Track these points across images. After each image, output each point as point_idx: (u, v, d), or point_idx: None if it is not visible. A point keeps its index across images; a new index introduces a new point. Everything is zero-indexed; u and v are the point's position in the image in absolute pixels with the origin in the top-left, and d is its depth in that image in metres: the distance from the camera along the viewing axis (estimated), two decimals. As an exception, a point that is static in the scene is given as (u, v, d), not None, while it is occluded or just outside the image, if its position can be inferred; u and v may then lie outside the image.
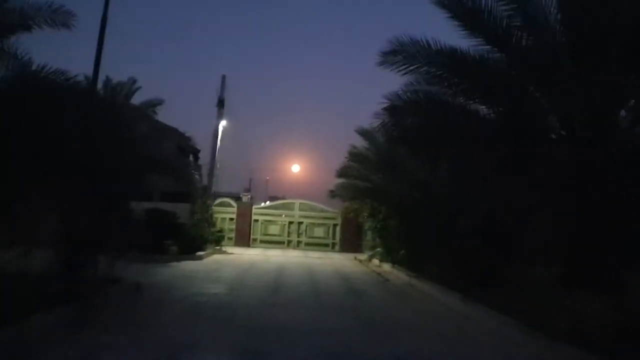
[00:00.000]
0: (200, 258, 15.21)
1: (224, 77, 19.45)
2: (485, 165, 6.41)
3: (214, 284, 10.22)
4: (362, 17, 59.09)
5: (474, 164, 6.58)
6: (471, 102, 6.46)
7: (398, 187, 12.58)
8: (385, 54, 6.41)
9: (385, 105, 6.66)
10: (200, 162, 28.58)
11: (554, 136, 5.95)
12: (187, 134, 32.57)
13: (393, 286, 11.34)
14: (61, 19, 7.82)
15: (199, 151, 32.00)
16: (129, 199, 13.75)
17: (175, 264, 13.57)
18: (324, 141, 61.12)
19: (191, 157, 36.30)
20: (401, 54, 6.48)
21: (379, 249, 16.64)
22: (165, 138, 16.79)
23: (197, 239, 16.23)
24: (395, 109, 6.64)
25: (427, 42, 6.47)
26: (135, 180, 14.47)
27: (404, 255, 13.55)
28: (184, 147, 37.17)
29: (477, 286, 8.83)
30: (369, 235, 21.59)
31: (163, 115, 15.97)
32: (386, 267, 14.88)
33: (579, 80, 5.77)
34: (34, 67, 7.77)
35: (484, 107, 6.42)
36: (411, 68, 6.42)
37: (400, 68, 6.41)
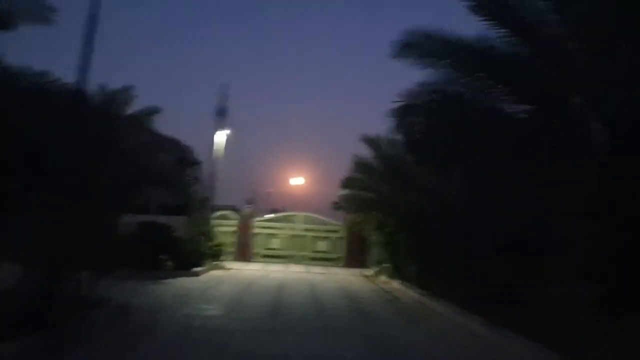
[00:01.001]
0: (196, 274, 14.36)
1: (224, 85, 18.81)
2: (514, 171, 5.61)
3: (209, 304, 9.39)
4: (366, 22, 58.91)
5: (501, 169, 5.78)
6: (499, 101, 5.67)
7: (407, 197, 11.77)
8: (400, 45, 5.67)
9: (398, 104, 5.89)
10: (201, 174, 27.86)
11: (595, 139, 5.14)
12: (188, 146, 31.93)
13: (403, 305, 10.48)
14: (39, 14, 7.13)
15: (200, 163, 31.24)
16: (117, 211, 12.99)
17: (169, 280, 12.73)
18: (328, 152, 60.23)
19: (192, 169, 35.69)
20: (417, 46, 5.74)
21: (386, 265, 15.78)
22: (164, 149, 16.07)
23: (193, 253, 15.39)
24: (410, 109, 5.88)
25: (446, 34, 5.73)
26: (126, 193, 13.75)
27: (413, 271, 12.69)
28: (185, 159, 36.53)
29: (496, 306, 8.03)
30: (375, 250, 20.74)
31: (163, 127, 15.17)
32: (394, 284, 14.00)
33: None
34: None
35: (514, 107, 5.63)
36: (428, 62, 5.67)
37: (416, 62, 5.67)
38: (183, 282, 12.63)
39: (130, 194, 14.59)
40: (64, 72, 9.71)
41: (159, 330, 6.86)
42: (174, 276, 13.41)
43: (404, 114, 5.96)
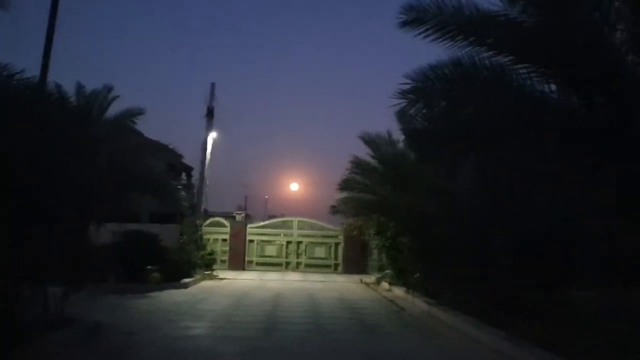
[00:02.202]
0: (185, 286, 13.35)
1: (213, 84, 17.87)
2: (548, 162, 4.70)
3: (196, 321, 8.40)
4: (364, 26, 58.33)
5: (530, 160, 4.86)
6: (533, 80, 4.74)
7: (411, 199, 10.84)
8: (408, 12, 4.75)
9: (406, 87, 4.97)
10: (193, 180, 26.88)
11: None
12: (178, 151, 30.92)
13: (411, 317, 9.52)
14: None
15: (191, 169, 30.30)
16: (95, 219, 11.99)
17: (155, 294, 11.74)
18: (325, 155, 59.58)
19: (183, 175, 34.70)
20: (429, 16, 4.83)
21: (388, 271, 14.83)
22: (151, 153, 15.15)
23: (183, 263, 14.37)
24: (422, 92, 4.96)
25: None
26: (106, 199, 12.75)
27: (419, 278, 11.74)
28: (176, 165, 35.48)
29: (516, 317, 7.12)
30: (375, 255, 19.79)
31: (152, 131, 14.19)
32: (398, 291, 13.05)
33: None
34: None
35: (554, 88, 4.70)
36: (444, 34, 4.76)
37: (428, 33, 4.76)
38: (170, 295, 11.63)
39: (111, 200, 13.62)
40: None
41: (132, 355, 5.88)
42: (161, 289, 12.41)
43: (414, 97, 5.03)
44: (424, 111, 5.22)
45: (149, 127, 14.15)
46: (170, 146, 24.28)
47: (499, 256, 8.19)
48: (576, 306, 7.36)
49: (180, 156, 32.76)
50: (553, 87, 4.77)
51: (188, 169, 31.51)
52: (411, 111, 5.37)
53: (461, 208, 8.90)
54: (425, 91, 4.95)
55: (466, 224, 8.73)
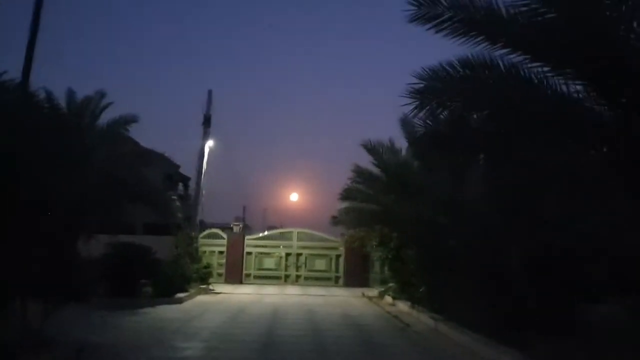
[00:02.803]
0: (180, 301, 12.75)
1: (210, 92, 17.39)
2: (580, 170, 4.19)
3: (189, 340, 7.82)
4: (364, 33, 58.27)
5: (556, 163, 4.35)
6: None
7: (417, 208, 10.32)
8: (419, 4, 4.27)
9: (416, 86, 4.48)
10: (190, 190, 26.25)
11: None
12: (175, 161, 30.25)
13: (417, 335, 8.94)
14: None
15: (188, 179, 29.62)
16: (83, 231, 11.43)
17: (147, 310, 11.15)
18: (325, 165, 59.05)
19: (180, 186, 34.07)
20: (441, 9, 4.35)
21: (391, 284, 14.25)
22: (146, 163, 14.63)
23: (177, 277, 13.78)
24: (435, 91, 4.47)
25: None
26: (96, 210, 12.19)
27: (424, 292, 11.18)
28: (173, 175, 34.81)
29: (532, 335, 6.58)
30: (377, 267, 19.21)
31: (150, 141, 13.70)
32: (402, 306, 12.46)
33: None
34: None
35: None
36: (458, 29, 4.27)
37: (443, 27, 4.27)
38: (162, 312, 11.04)
39: (102, 211, 13.07)
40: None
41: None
42: (154, 304, 11.83)
43: (426, 97, 4.53)
44: (438, 110, 4.70)
45: (147, 137, 13.71)
46: (167, 155, 23.74)
47: (513, 269, 7.67)
48: (598, 322, 6.85)
49: (177, 166, 32.33)
50: (580, 87, 4.29)
51: (185, 180, 30.95)
52: (421, 113, 4.87)
53: (470, 218, 8.39)
54: (438, 90, 4.46)
55: (476, 235, 8.20)
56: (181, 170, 31.25)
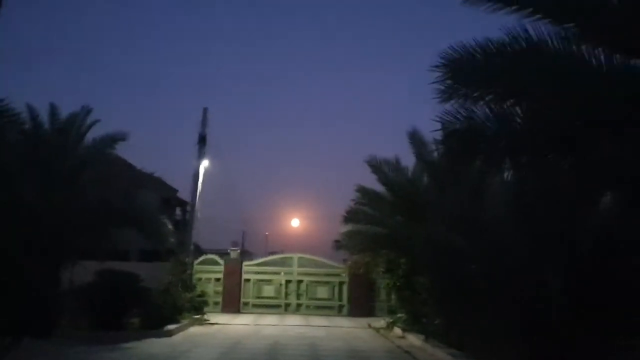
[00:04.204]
0: (169, 334, 11.60)
1: (205, 109, 16.57)
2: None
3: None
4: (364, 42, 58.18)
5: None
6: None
7: (430, 230, 9.30)
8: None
9: (447, 58, 3.55)
10: (188, 216, 25.22)
11: None
12: (171, 185, 29.31)
13: (436, 375, 7.80)
14: None
15: (186, 204, 28.68)
16: (64, 258, 10.48)
17: (132, 344, 10.02)
18: (327, 190, 57.97)
19: (178, 210, 33.02)
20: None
21: (400, 315, 13.09)
22: (142, 187, 13.66)
23: (168, 307, 12.65)
24: (471, 72, 3.54)
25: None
26: (80, 236, 11.21)
27: (440, 324, 10.05)
28: (170, 200, 33.76)
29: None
30: (383, 295, 18.02)
31: (148, 165, 12.83)
32: (413, 339, 11.30)
33: None
34: None
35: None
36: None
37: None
38: (148, 346, 9.92)
39: (88, 236, 12.06)
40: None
41: None
42: (140, 337, 10.69)
43: (457, 81, 3.60)
44: (477, 94, 3.75)
45: (146, 161, 12.85)
46: (164, 180, 22.79)
47: (547, 299, 6.62)
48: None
49: (175, 190, 31.32)
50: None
51: (183, 204, 29.89)
52: (448, 104, 3.93)
53: (495, 240, 7.37)
54: (478, 70, 3.53)
55: (501, 260, 7.17)
56: (180, 195, 30.30)
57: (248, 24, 61.40)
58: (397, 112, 49.94)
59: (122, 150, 13.47)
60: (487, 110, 3.78)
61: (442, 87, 3.78)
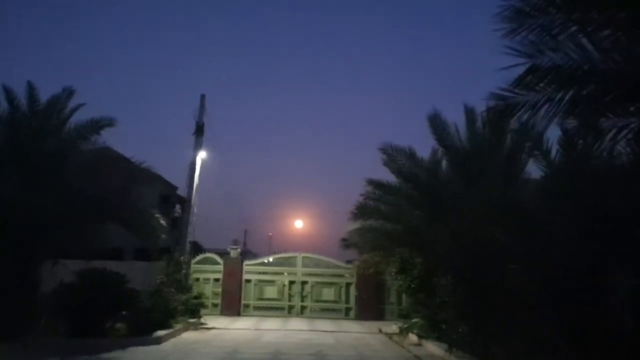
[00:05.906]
0: (158, 341, 10.36)
1: (202, 96, 15.31)
2: None
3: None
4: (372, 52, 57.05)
5: None
6: None
7: (458, 225, 8.04)
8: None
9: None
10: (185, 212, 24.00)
11: None
12: (169, 181, 27.98)
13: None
14: None
15: (185, 201, 27.52)
16: (40, 256, 9.24)
17: (113, 354, 8.82)
18: (334, 189, 56.77)
19: (177, 208, 31.76)
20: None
21: (416, 320, 11.81)
22: (136, 181, 12.37)
23: (158, 310, 11.42)
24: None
25: None
26: (59, 231, 9.98)
27: (465, 332, 8.77)
28: (169, 197, 32.41)
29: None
30: (393, 297, 16.78)
31: (149, 161, 11.54)
32: (432, 347, 10.03)
33: None
34: None
35: None
36: None
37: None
38: (130, 356, 8.71)
39: (68, 231, 10.82)
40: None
41: None
42: (124, 345, 9.50)
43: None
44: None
45: (147, 158, 11.54)
46: (159, 173, 21.42)
47: (613, 307, 5.36)
48: None
49: (174, 188, 30.17)
50: None
51: (183, 202, 28.78)
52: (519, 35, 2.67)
53: (542, 234, 6.09)
54: None
55: (552, 258, 5.89)
56: (180, 192, 29.19)
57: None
58: (411, 105, 48.64)
59: (120, 146, 12.34)
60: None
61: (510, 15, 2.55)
